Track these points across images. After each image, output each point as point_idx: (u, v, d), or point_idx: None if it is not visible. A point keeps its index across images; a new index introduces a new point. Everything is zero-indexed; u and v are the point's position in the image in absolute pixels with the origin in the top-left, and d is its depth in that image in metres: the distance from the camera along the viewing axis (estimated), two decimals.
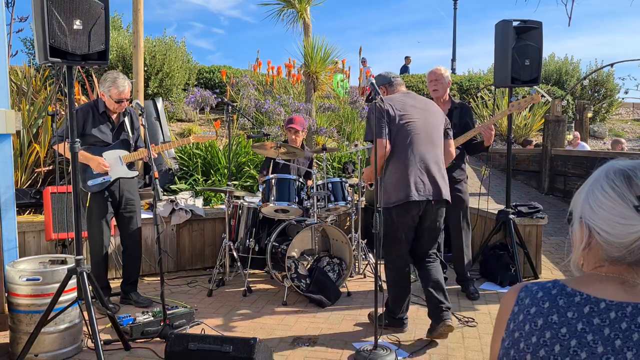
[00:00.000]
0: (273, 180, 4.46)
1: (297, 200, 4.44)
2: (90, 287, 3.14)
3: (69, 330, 3.28)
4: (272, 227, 4.75)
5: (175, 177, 6.27)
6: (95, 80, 6.06)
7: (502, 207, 5.18)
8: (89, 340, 3.39)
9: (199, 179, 6.21)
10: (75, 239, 3.19)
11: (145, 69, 8.20)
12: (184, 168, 6.44)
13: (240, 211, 4.80)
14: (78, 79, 7.31)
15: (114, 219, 4.23)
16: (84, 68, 7.18)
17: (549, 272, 5.21)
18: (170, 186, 6.04)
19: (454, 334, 3.67)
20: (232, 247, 4.72)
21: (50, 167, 5.57)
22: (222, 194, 5.59)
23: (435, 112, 3.66)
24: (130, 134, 4.17)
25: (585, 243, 1.07)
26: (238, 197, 5.13)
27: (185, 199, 5.51)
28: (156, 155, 4.15)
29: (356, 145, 6.36)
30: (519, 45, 4.73)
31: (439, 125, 3.64)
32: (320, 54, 7.58)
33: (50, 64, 2.97)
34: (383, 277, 4.91)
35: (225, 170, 6.21)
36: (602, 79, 14.51)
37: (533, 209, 5.14)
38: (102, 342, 3.07)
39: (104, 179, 4.01)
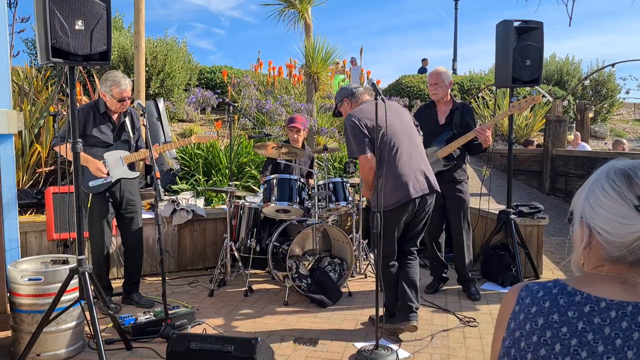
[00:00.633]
0: (274, 181, 4.46)
1: (298, 200, 4.44)
2: (91, 287, 3.14)
3: (71, 330, 3.29)
4: (274, 227, 4.75)
5: (177, 177, 6.28)
6: (97, 80, 6.06)
7: (503, 207, 5.18)
8: (91, 340, 3.40)
9: (200, 179, 6.22)
10: (77, 239, 3.20)
11: (147, 69, 8.21)
12: (186, 168, 6.44)
13: (241, 211, 4.80)
14: (80, 80, 7.32)
15: (115, 219, 4.23)
16: (85, 68, 7.20)
17: (550, 272, 5.21)
18: (172, 186, 6.04)
19: (455, 334, 3.68)
20: (233, 247, 4.72)
21: (52, 167, 5.58)
22: (224, 194, 5.59)
23: (404, 112, 3.80)
24: (131, 134, 4.17)
25: (585, 242, 1.07)
26: (239, 197, 5.14)
27: (186, 199, 5.52)
28: (157, 156, 4.16)
29: None
30: (520, 45, 4.74)
31: (412, 123, 3.77)
32: (322, 54, 7.59)
33: (52, 64, 2.98)
34: None
35: (227, 171, 6.22)
36: (603, 79, 14.50)
37: (534, 209, 5.14)
38: (103, 342, 3.07)
39: (105, 180, 4.01)
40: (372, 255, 5.20)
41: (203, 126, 9.15)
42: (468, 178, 4.63)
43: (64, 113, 5.29)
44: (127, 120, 4.14)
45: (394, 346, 3.38)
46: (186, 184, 6.19)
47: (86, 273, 3.10)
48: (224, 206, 5.41)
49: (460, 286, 4.61)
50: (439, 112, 4.50)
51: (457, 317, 3.99)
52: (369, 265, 5.19)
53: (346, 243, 4.54)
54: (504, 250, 4.92)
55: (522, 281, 4.65)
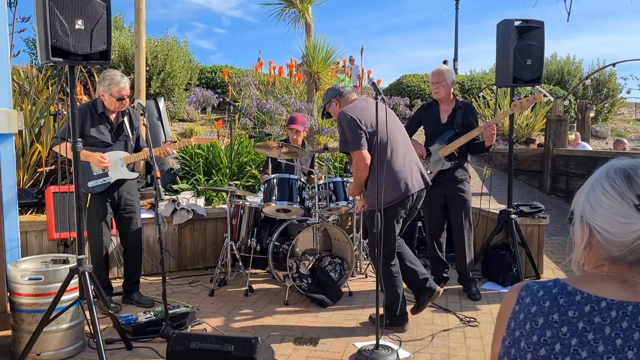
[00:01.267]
0: (274, 180, 4.46)
1: (298, 200, 4.44)
2: (92, 286, 3.14)
3: (71, 330, 3.29)
4: (274, 227, 4.75)
5: (177, 177, 6.28)
6: (97, 80, 6.07)
7: (503, 206, 5.17)
8: (91, 340, 3.40)
9: (200, 179, 6.22)
10: (77, 238, 3.19)
11: (147, 68, 8.21)
12: (186, 168, 6.44)
13: (242, 211, 4.80)
14: (80, 79, 7.32)
15: (114, 219, 4.22)
16: (86, 68, 7.20)
17: (550, 272, 5.20)
18: (172, 186, 6.04)
19: (456, 334, 3.67)
20: (233, 246, 4.72)
21: (53, 167, 5.59)
22: (224, 194, 5.59)
23: (390, 111, 3.84)
24: (130, 134, 4.15)
25: (586, 242, 1.07)
26: (240, 197, 5.13)
27: (187, 198, 5.51)
28: (172, 152, 4.16)
29: None
30: (521, 44, 4.73)
31: (397, 118, 3.85)
32: (322, 53, 7.58)
33: (52, 64, 2.98)
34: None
35: (227, 170, 6.21)
36: (604, 79, 14.49)
37: (535, 208, 5.13)
38: (103, 342, 3.07)
39: (104, 180, 3.99)
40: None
41: (203, 126, 9.15)
42: (470, 177, 4.62)
43: (65, 113, 5.29)
44: (126, 120, 4.12)
45: (394, 346, 3.38)
46: (187, 183, 6.19)
47: (86, 273, 3.10)
48: (225, 206, 5.41)
49: (461, 286, 4.60)
50: (441, 111, 4.50)
51: (458, 317, 3.99)
52: (370, 265, 5.18)
53: (347, 243, 4.53)
54: (505, 250, 4.92)
55: (522, 281, 4.64)
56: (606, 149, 11.94)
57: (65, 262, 3.47)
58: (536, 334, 1.03)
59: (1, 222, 3.51)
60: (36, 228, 4.64)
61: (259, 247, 4.73)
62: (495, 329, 1.15)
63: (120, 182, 4.08)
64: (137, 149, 4.24)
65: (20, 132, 5.06)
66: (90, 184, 3.95)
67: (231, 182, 5.01)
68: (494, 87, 10.21)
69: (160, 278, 3.58)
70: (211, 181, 6.26)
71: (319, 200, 4.46)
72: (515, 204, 5.17)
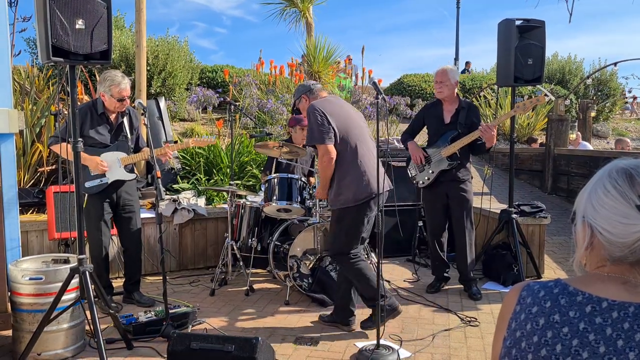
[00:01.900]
0: (275, 180, 4.45)
1: (299, 199, 4.43)
2: (92, 286, 3.14)
3: (72, 330, 3.29)
4: (275, 227, 4.75)
5: (178, 177, 6.28)
6: (98, 80, 6.07)
7: (504, 206, 5.17)
8: (92, 340, 3.40)
9: (201, 179, 6.22)
10: (77, 238, 3.20)
11: (148, 68, 8.20)
12: (187, 167, 6.44)
13: (242, 210, 4.80)
14: (81, 79, 7.32)
15: (113, 218, 4.21)
16: (86, 67, 7.20)
17: (551, 271, 5.20)
18: (173, 185, 6.04)
19: (457, 334, 3.67)
20: (234, 246, 4.72)
21: (53, 167, 5.59)
22: (225, 194, 5.59)
23: (359, 112, 3.93)
24: (129, 135, 4.14)
25: (587, 242, 1.06)
26: (240, 197, 5.13)
27: (187, 198, 5.51)
28: (172, 155, 4.16)
29: None
30: (522, 44, 4.72)
31: (365, 122, 3.87)
32: (323, 53, 7.58)
33: (53, 64, 2.98)
34: (386, 276, 4.92)
35: (228, 170, 6.21)
36: (605, 78, 14.46)
37: (536, 208, 5.13)
38: (104, 341, 3.07)
39: (101, 181, 3.99)
40: (373, 255, 5.19)
41: (204, 125, 9.14)
42: (472, 177, 4.61)
43: (66, 112, 5.29)
44: (125, 120, 4.11)
45: (395, 346, 3.38)
46: (187, 183, 6.19)
47: (87, 272, 3.11)
48: (225, 205, 5.41)
49: (462, 285, 4.60)
50: (444, 111, 4.49)
51: (459, 317, 3.98)
52: (371, 265, 5.17)
53: None
54: (506, 249, 4.91)
55: (523, 281, 4.64)
56: (607, 148, 11.92)
57: (66, 261, 3.47)
58: (537, 334, 1.03)
59: (2, 222, 3.51)
60: (37, 228, 4.64)
61: (259, 247, 4.73)
62: (496, 329, 1.14)
63: (119, 183, 4.08)
64: (136, 149, 4.24)
65: (21, 131, 5.06)
66: (88, 184, 3.94)
67: (232, 182, 5.01)
68: (495, 87, 10.20)
69: (161, 278, 3.59)
70: (212, 181, 6.26)
71: (320, 200, 4.46)
72: (516, 203, 5.16)
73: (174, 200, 5.30)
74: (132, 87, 5.92)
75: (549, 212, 5.25)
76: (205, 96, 8.64)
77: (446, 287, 4.71)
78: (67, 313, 3.19)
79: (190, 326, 3.73)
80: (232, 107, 5.13)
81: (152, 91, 8.62)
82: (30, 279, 3.20)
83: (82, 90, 6.88)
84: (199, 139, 4.48)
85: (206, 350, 2.83)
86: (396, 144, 6.06)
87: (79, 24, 2.95)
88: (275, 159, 4.96)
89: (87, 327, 3.43)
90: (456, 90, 4.49)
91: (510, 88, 5.26)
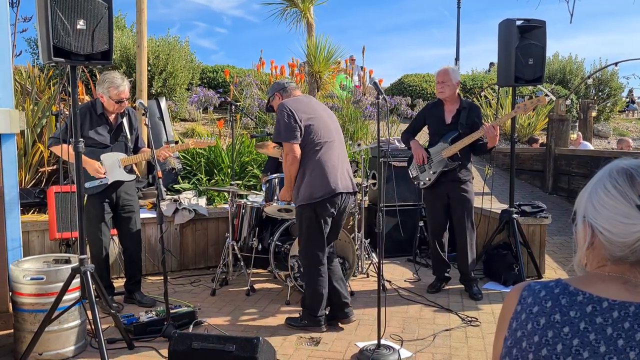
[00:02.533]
0: (276, 180, 4.45)
1: None
2: (93, 286, 3.15)
3: (73, 330, 3.29)
4: (275, 227, 4.75)
5: (179, 177, 6.28)
6: (98, 80, 6.08)
7: (505, 206, 5.16)
8: (93, 340, 3.40)
9: (202, 179, 6.22)
10: (79, 238, 3.20)
11: (149, 68, 8.20)
12: (188, 168, 6.45)
13: (243, 211, 4.80)
14: (82, 79, 7.33)
15: (113, 219, 4.21)
16: (87, 68, 7.20)
17: (552, 271, 5.20)
18: (174, 186, 6.05)
19: (458, 334, 3.67)
20: (235, 246, 4.72)
21: (54, 167, 5.59)
22: (226, 194, 5.59)
23: (331, 113, 3.94)
24: (129, 136, 4.15)
25: (588, 242, 1.07)
26: (241, 197, 5.13)
27: (188, 198, 5.52)
28: (169, 155, 4.16)
29: (359, 145, 6.36)
30: (523, 44, 4.72)
31: (337, 122, 3.92)
32: (324, 53, 7.58)
33: (54, 64, 2.98)
34: (387, 276, 4.93)
35: (229, 170, 6.22)
36: (606, 78, 14.45)
37: (537, 208, 5.13)
38: (105, 341, 3.08)
39: (100, 182, 3.99)
40: (374, 255, 5.20)
41: (205, 126, 9.15)
42: (473, 178, 4.61)
43: (67, 112, 5.30)
44: (125, 121, 4.12)
45: (396, 345, 3.38)
46: (188, 183, 6.19)
47: (88, 272, 3.11)
48: (226, 205, 5.41)
49: (463, 285, 4.60)
50: (445, 111, 4.49)
51: (460, 317, 3.98)
52: (371, 265, 5.18)
53: (348, 242, 4.53)
54: (507, 249, 4.91)
55: (524, 280, 4.64)
56: (608, 148, 11.91)
57: (67, 261, 3.47)
58: (538, 334, 1.03)
59: (3, 222, 3.51)
60: (38, 228, 4.64)
61: (260, 247, 4.73)
62: (497, 329, 1.14)
63: (118, 183, 4.08)
64: (135, 149, 4.25)
65: (22, 132, 5.07)
66: (87, 184, 3.94)
67: (233, 182, 5.01)
68: (496, 87, 10.20)
69: (162, 278, 3.59)
70: (213, 181, 6.27)
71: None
72: (517, 203, 5.16)
73: (175, 201, 5.30)
74: (133, 87, 5.94)
75: (550, 212, 5.25)
76: (206, 96, 8.65)
77: (447, 287, 4.71)
78: (68, 313, 3.20)
79: (191, 326, 3.73)
80: (233, 107, 5.13)
81: (153, 91, 8.62)
82: (32, 279, 3.21)
83: (83, 90, 6.89)
84: (199, 140, 4.48)
85: (207, 350, 2.84)
86: (397, 144, 6.06)
87: (80, 24, 2.95)
88: (276, 159, 4.97)
89: (88, 327, 3.44)
90: (457, 90, 4.49)
91: (511, 88, 5.26)
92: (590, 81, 13.39)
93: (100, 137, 4.01)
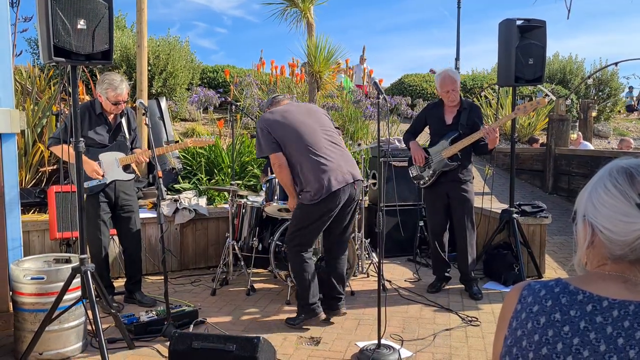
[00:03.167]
0: (276, 180, 4.45)
1: None
2: (94, 285, 3.15)
3: (73, 329, 3.29)
4: (276, 226, 4.75)
5: (179, 177, 6.28)
6: (98, 80, 6.08)
7: (505, 206, 5.17)
8: (93, 339, 3.40)
9: (202, 179, 6.22)
10: (79, 238, 3.20)
11: (149, 68, 8.21)
12: (188, 167, 6.45)
13: (243, 210, 4.80)
14: (82, 79, 7.33)
15: (112, 218, 4.21)
16: (88, 67, 7.21)
17: (552, 271, 5.20)
18: (174, 185, 6.05)
19: (458, 333, 3.67)
20: (235, 246, 4.72)
21: (55, 167, 5.60)
22: (226, 193, 5.59)
23: (317, 109, 4.05)
24: (127, 136, 4.15)
25: (588, 241, 1.07)
26: (241, 197, 5.13)
27: (188, 198, 5.52)
28: (147, 160, 4.16)
29: (359, 145, 6.36)
30: (523, 44, 4.72)
31: (325, 118, 3.95)
32: (324, 53, 7.57)
33: (54, 64, 2.98)
34: (387, 276, 4.93)
35: (229, 170, 6.22)
36: (606, 78, 14.46)
37: (537, 208, 5.13)
38: (106, 341, 3.08)
39: (99, 181, 4.00)
40: (374, 255, 5.20)
41: (205, 125, 9.15)
42: (473, 178, 4.61)
43: (67, 112, 5.30)
44: (124, 121, 4.13)
45: (396, 345, 3.38)
46: (188, 183, 6.19)
47: (88, 272, 3.11)
48: (226, 205, 5.41)
49: (463, 285, 4.60)
50: (446, 112, 4.48)
51: (460, 317, 3.98)
52: (372, 265, 5.18)
53: (348, 242, 4.53)
54: (507, 249, 4.91)
55: (524, 280, 4.64)
56: (608, 148, 11.91)
57: (68, 261, 3.47)
58: (538, 333, 1.03)
59: (4, 222, 3.52)
60: (38, 227, 4.64)
61: (260, 247, 4.73)
62: (497, 328, 1.15)
63: (117, 183, 4.09)
64: (134, 149, 4.26)
65: (22, 131, 5.07)
66: (86, 184, 3.93)
67: (233, 182, 5.01)
68: (496, 87, 10.20)
69: (162, 277, 3.59)
70: (213, 181, 6.27)
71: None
72: (517, 203, 5.16)
73: (175, 200, 5.31)
74: (133, 87, 5.94)
75: (550, 212, 5.25)
76: (206, 96, 8.64)
77: (447, 287, 4.71)
78: (68, 313, 3.20)
79: (192, 326, 3.73)
80: (233, 107, 5.13)
81: (153, 91, 8.62)
82: (32, 278, 3.21)
83: (83, 90, 6.89)
84: (198, 139, 4.48)
85: (207, 350, 2.84)
86: (397, 143, 6.06)
87: (81, 24, 2.95)
88: None
89: (88, 327, 3.44)
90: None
91: (511, 88, 5.25)
92: (590, 81, 13.40)
93: (99, 137, 4.02)
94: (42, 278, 3.21)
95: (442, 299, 4.42)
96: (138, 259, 4.31)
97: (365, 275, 5.11)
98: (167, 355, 3.03)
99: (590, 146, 9.62)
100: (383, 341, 3.29)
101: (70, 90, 3.10)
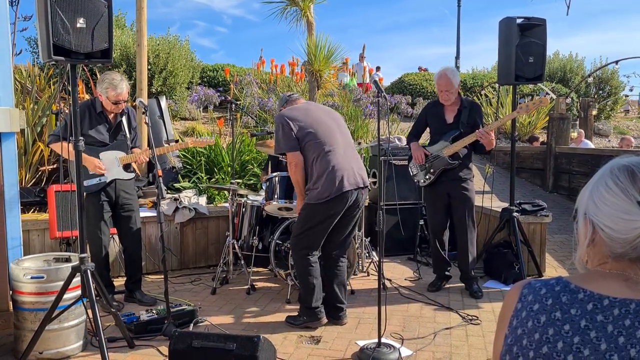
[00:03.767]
0: (276, 178, 4.45)
1: None
2: (94, 284, 3.15)
3: (73, 328, 3.29)
4: (276, 225, 4.75)
5: (179, 176, 6.28)
6: (98, 79, 6.08)
7: (506, 205, 5.16)
8: (93, 338, 3.40)
9: (202, 177, 6.22)
10: (79, 237, 3.20)
11: (149, 67, 8.20)
12: (188, 166, 6.45)
13: (243, 209, 4.80)
14: (82, 78, 7.33)
15: (112, 217, 4.21)
16: (87, 66, 7.20)
17: (553, 270, 5.20)
18: (174, 184, 6.05)
19: (458, 332, 3.67)
20: (235, 245, 4.72)
21: (55, 166, 5.59)
22: (226, 192, 5.59)
23: (336, 113, 4.04)
24: (128, 134, 4.15)
25: (589, 239, 1.06)
26: (242, 195, 5.13)
27: (189, 197, 5.52)
28: (147, 159, 4.16)
29: (359, 144, 6.36)
30: (523, 42, 4.71)
31: (342, 120, 3.98)
32: (324, 52, 7.56)
33: (54, 63, 2.98)
34: (387, 275, 4.92)
35: (229, 169, 6.21)
36: (606, 77, 14.44)
37: (537, 206, 5.12)
38: (106, 340, 3.07)
39: (99, 180, 4.00)
40: (374, 253, 5.20)
41: (205, 124, 9.15)
42: (474, 176, 4.61)
43: (67, 111, 5.30)
44: (124, 119, 4.13)
45: (396, 344, 3.38)
46: (188, 182, 6.19)
47: (88, 271, 3.11)
48: (227, 204, 5.41)
49: (463, 284, 4.60)
50: (446, 111, 4.48)
51: (460, 315, 3.98)
52: (372, 263, 5.18)
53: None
54: (507, 248, 4.91)
55: (525, 279, 4.64)
56: (608, 146, 11.91)
57: (68, 260, 3.47)
58: (538, 331, 1.03)
59: (3, 221, 3.51)
60: (38, 227, 4.64)
61: (260, 246, 4.73)
62: (497, 326, 1.14)
63: (117, 182, 4.09)
64: (134, 148, 4.26)
65: (22, 130, 5.06)
66: (86, 183, 3.94)
67: (233, 181, 5.01)
68: (496, 85, 10.20)
69: (163, 276, 3.59)
70: (213, 180, 6.26)
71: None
72: (518, 202, 5.16)
73: (175, 199, 5.30)
74: (133, 86, 5.93)
75: (550, 211, 5.25)
76: (206, 95, 8.64)
77: (447, 286, 4.71)
78: (68, 312, 3.20)
79: (192, 325, 3.73)
80: (233, 106, 5.13)
81: (153, 90, 8.62)
82: (32, 277, 3.21)
83: (83, 89, 6.88)
84: (198, 139, 4.48)
85: (207, 349, 2.84)
86: (397, 142, 6.06)
87: (80, 22, 2.95)
88: (276, 158, 4.96)
89: (88, 326, 3.44)
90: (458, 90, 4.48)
91: (511, 86, 5.25)
92: (590, 79, 13.39)
93: (100, 136, 4.02)
94: (42, 277, 3.21)
95: (443, 297, 4.42)
96: (138, 258, 4.31)
97: (366, 274, 5.11)
98: (167, 354, 3.03)
99: (591, 145, 9.62)
100: (383, 340, 3.29)
101: (70, 89, 3.10)
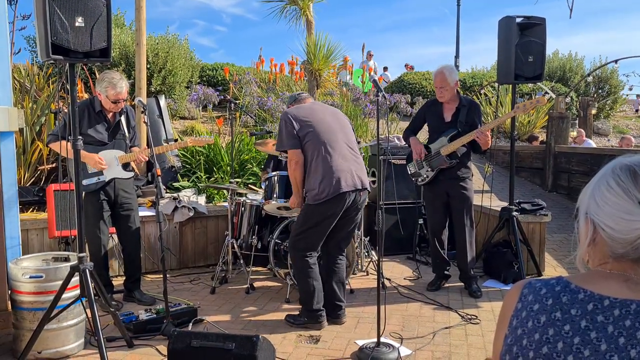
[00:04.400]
0: (275, 178, 4.45)
1: None
2: (92, 284, 3.14)
3: (72, 328, 3.29)
4: (275, 225, 4.74)
5: (178, 175, 6.27)
6: (98, 78, 6.06)
7: (505, 204, 5.16)
8: (92, 338, 3.40)
9: (201, 177, 6.21)
10: (78, 236, 3.19)
11: (148, 66, 8.18)
12: (187, 166, 6.44)
13: (242, 208, 4.79)
14: (81, 77, 7.31)
15: (111, 217, 4.20)
16: (86, 65, 7.19)
17: (552, 269, 5.20)
18: (173, 184, 6.04)
19: (458, 332, 3.67)
20: (234, 244, 4.72)
21: (53, 165, 5.58)
22: (225, 192, 5.59)
23: (343, 115, 4.01)
24: (127, 134, 4.15)
25: (590, 239, 1.06)
26: (241, 195, 5.13)
27: (188, 196, 5.51)
28: (146, 158, 4.15)
29: (359, 143, 6.35)
30: (523, 41, 4.71)
31: (348, 124, 3.95)
32: (323, 51, 7.56)
33: (52, 62, 2.97)
34: (386, 274, 4.92)
35: (228, 168, 6.21)
36: (606, 76, 14.45)
37: (536, 206, 5.12)
38: (105, 339, 3.07)
39: (98, 179, 3.99)
40: (373, 253, 5.19)
41: (205, 124, 9.14)
42: (472, 175, 4.61)
43: (65, 110, 5.29)
44: (123, 119, 4.13)
45: (395, 343, 3.37)
46: (187, 181, 6.18)
47: (87, 270, 3.10)
48: (226, 203, 5.40)
49: (462, 283, 4.60)
50: (445, 109, 4.47)
51: (459, 315, 3.98)
52: (371, 263, 5.18)
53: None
54: (506, 247, 4.91)
55: (524, 278, 4.64)
56: (608, 145, 11.91)
57: (66, 260, 3.47)
58: (538, 331, 1.03)
59: (2, 220, 3.51)
60: (37, 226, 4.63)
61: (260, 245, 4.72)
62: (497, 326, 1.14)
63: (116, 181, 4.08)
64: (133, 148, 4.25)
65: (21, 130, 5.05)
66: (85, 182, 3.93)
67: (232, 180, 5.00)
68: (496, 84, 10.20)
69: (162, 276, 3.59)
70: (212, 179, 6.26)
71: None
72: (517, 201, 5.15)
73: (175, 199, 5.30)
74: (132, 85, 5.93)
75: (550, 210, 5.25)
76: (205, 94, 8.63)
77: (447, 285, 4.71)
78: (67, 311, 3.19)
79: (191, 324, 3.72)
80: (233, 105, 5.12)
81: (153, 89, 8.61)
82: (31, 277, 3.20)
83: (82, 88, 6.87)
84: (197, 138, 4.48)
85: (206, 348, 2.83)
86: (396, 141, 6.05)
87: (79, 21, 2.94)
88: (275, 157, 4.96)
89: (87, 325, 3.43)
90: (457, 88, 4.47)
91: (510, 86, 5.24)
92: (590, 79, 13.39)
93: (99, 135, 4.01)
94: (41, 276, 3.21)
95: (442, 297, 4.42)
96: (137, 257, 4.30)
97: (365, 274, 5.11)
98: (166, 353, 3.03)
99: (593, 144, 9.62)
100: (382, 339, 3.29)
101: (69, 88, 3.09)
